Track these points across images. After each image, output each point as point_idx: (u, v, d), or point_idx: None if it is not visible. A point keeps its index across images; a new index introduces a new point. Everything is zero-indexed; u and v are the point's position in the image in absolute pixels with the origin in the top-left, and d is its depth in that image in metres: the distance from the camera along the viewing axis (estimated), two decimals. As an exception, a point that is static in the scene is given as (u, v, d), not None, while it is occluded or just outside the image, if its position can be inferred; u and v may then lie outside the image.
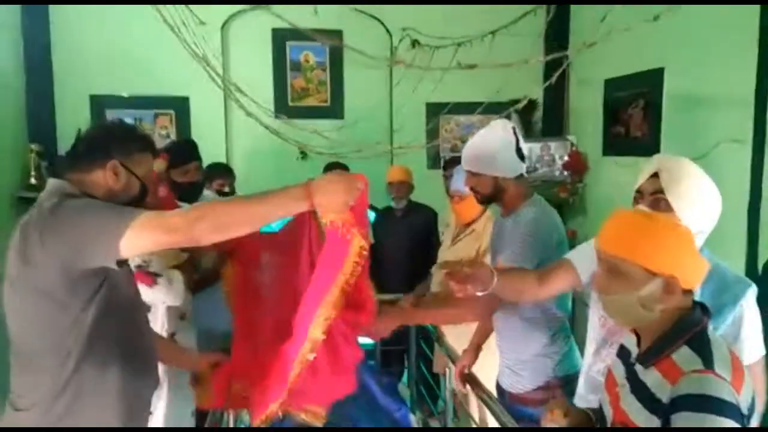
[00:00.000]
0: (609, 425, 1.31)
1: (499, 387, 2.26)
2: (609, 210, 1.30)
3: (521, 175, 2.07)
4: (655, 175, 1.50)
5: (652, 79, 3.43)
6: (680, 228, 1.21)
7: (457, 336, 2.70)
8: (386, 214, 3.89)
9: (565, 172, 4.42)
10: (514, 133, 2.05)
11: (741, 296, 1.50)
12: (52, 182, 1.51)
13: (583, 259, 1.68)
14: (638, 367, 1.27)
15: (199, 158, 2.83)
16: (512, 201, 2.07)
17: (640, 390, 1.22)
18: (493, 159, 2.00)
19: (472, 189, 2.12)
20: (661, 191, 1.49)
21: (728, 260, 2.99)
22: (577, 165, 4.36)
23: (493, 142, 2.01)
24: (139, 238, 1.32)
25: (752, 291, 1.51)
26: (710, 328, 1.22)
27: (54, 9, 4.06)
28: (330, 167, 3.56)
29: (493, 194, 2.07)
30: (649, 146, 3.46)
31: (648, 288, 1.18)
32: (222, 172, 3.62)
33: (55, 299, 1.40)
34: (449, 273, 1.61)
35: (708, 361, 1.13)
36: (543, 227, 1.98)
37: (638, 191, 1.57)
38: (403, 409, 2.91)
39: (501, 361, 2.24)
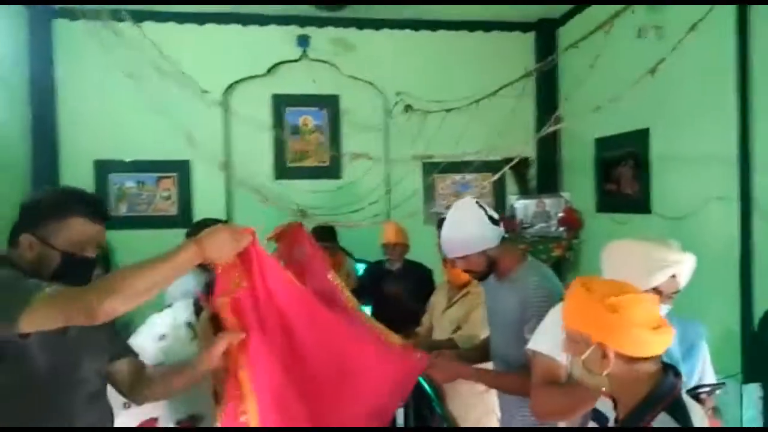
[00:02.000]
0: None
1: None
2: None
3: (504, 238, 2.08)
4: (673, 276, 1.62)
5: (639, 139, 3.54)
6: (618, 302, 1.24)
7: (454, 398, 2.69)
8: (380, 270, 3.89)
9: (561, 228, 4.48)
10: (480, 206, 2.06)
11: (701, 335, 1.73)
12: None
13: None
14: None
15: None
16: (506, 266, 2.07)
17: None
18: (473, 237, 2.00)
19: (466, 271, 2.13)
20: (678, 291, 1.65)
21: (723, 315, 3.02)
22: (572, 221, 4.42)
23: (466, 222, 2.02)
24: (41, 316, 1.25)
25: (704, 329, 1.78)
26: (683, 392, 1.26)
27: (60, 79, 4.23)
28: (316, 230, 3.59)
29: (488, 268, 2.06)
30: (640, 203, 3.53)
31: (587, 353, 1.26)
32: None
33: None
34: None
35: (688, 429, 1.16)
36: (551, 289, 1.98)
37: (655, 289, 1.60)
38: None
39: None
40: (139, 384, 1.65)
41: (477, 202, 2.05)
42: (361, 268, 4.12)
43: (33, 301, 1.25)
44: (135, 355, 1.71)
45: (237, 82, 4.45)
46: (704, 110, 3.09)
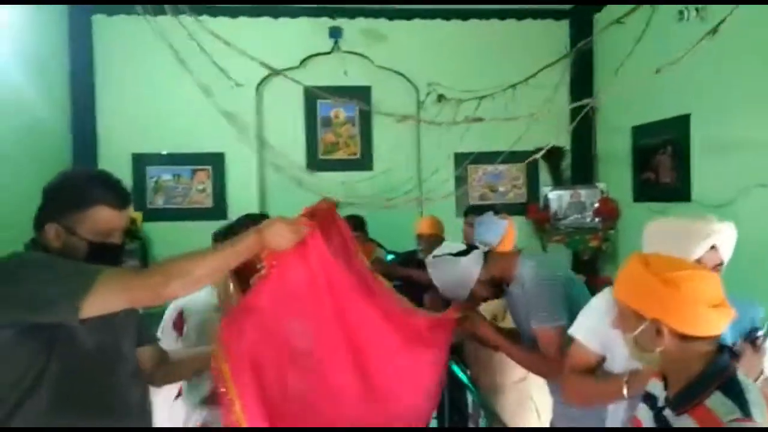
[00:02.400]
0: None
1: None
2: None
3: (484, 254, 2.12)
4: (713, 247, 1.56)
5: (679, 126, 3.45)
6: (677, 276, 1.20)
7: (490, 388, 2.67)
8: (412, 260, 3.87)
9: (596, 219, 4.40)
10: (442, 254, 2.10)
11: (756, 319, 1.60)
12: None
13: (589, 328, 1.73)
14: (668, 413, 1.24)
15: None
16: (506, 273, 2.11)
17: None
18: (459, 278, 2.07)
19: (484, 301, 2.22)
20: (721, 263, 1.59)
21: (761, 302, 2.93)
22: (608, 212, 4.34)
23: (445, 277, 2.09)
24: (104, 300, 1.28)
25: (762, 311, 1.64)
26: (739, 372, 1.21)
27: (100, 72, 4.34)
28: (348, 219, 3.61)
29: (493, 288, 2.13)
30: (680, 191, 3.44)
31: (639, 329, 1.23)
32: None
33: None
34: None
35: (745, 408, 1.12)
36: (547, 276, 2.02)
37: (698, 262, 1.57)
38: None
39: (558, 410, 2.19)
40: (159, 369, 1.67)
41: (437, 260, 2.11)
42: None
43: (96, 285, 1.26)
44: (157, 340, 1.74)
45: (270, 75, 4.49)
46: (747, 95, 2.99)
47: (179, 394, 2.02)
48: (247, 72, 4.18)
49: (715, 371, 1.19)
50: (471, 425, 3.28)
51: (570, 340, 1.80)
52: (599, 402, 1.73)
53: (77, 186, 1.44)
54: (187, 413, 2.04)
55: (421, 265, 3.69)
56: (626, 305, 1.26)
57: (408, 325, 1.84)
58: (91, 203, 1.42)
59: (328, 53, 4.49)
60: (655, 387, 1.35)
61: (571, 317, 1.93)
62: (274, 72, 3.58)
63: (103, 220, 1.43)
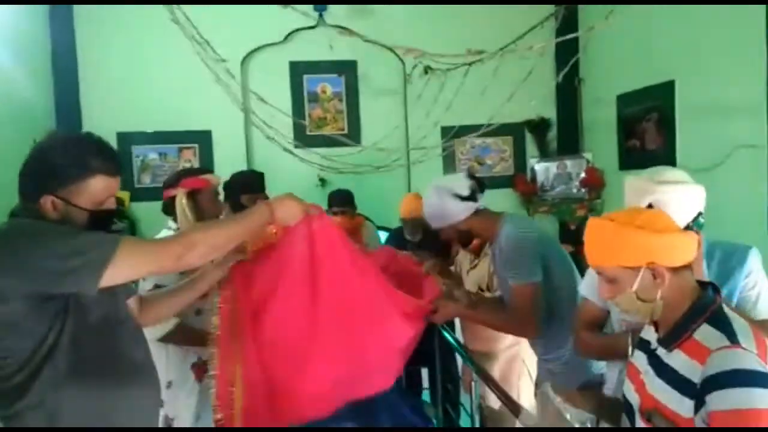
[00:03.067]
0: (637, 412, 1.34)
1: None
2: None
3: (477, 210, 2.21)
4: (650, 206, 1.60)
5: (664, 92, 3.48)
6: (642, 216, 1.27)
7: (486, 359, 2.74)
8: (402, 240, 3.89)
9: (583, 189, 4.45)
10: (447, 185, 2.22)
11: (745, 258, 1.61)
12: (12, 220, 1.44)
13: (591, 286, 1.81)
14: (661, 352, 1.30)
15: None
16: (487, 233, 2.25)
17: (666, 373, 1.25)
18: (440, 214, 2.22)
19: (445, 240, 2.45)
20: None
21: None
22: (594, 181, 4.39)
23: (432, 203, 2.23)
24: (125, 269, 1.33)
25: (754, 252, 1.62)
26: (724, 305, 1.26)
27: (82, 50, 4.26)
28: (333, 195, 3.66)
29: (460, 238, 2.34)
30: (665, 157, 3.48)
31: (637, 282, 1.25)
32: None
33: (18, 329, 1.31)
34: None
35: (732, 336, 1.16)
36: (521, 235, 2.13)
37: None
38: (430, 427, 2.90)
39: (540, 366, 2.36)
40: (143, 313, 1.72)
41: (445, 184, 2.24)
42: (383, 235, 4.14)
43: (116, 255, 1.30)
44: (135, 291, 1.80)
45: (255, 50, 4.45)
46: (732, 58, 3.02)
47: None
48: (230, 47, 4.15)
49: (702, 306, 1.24)
50: (463, 390, 3.33)
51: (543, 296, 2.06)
52: (609, 358, 1.84)
53: (72, 157, 1.42)
54: (183, 354, 2.27)
55: (411, 244, 3.72)
56: (614, 267, 1.27)
57: (391, 298, 2.04)
58: (88, 173, 1.42)
59: (313, 27, 4.45)
60: (648, 333, 1.40)
61: (547, 276, 2.10)
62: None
63: (102, 189, 1.44)
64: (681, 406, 1.18)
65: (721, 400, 1.10)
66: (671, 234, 1.25)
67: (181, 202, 2.32)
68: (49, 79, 4.16)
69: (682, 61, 3.38)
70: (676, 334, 1.26)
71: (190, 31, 3.24)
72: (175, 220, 2.38)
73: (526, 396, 2.71)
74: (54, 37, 4.18)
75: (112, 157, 1.48)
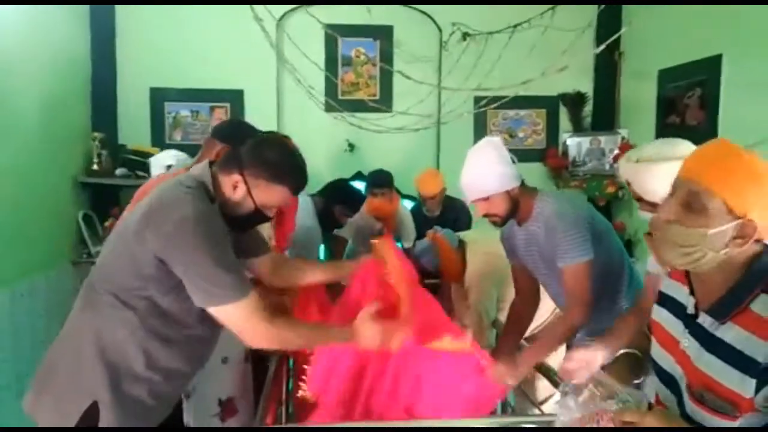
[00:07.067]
0: (684, 388, 1.22)
1: None
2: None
3: (522, 181, 2.08)
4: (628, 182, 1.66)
5: (710, 66, 3.38)
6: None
7: None
8: (421, 216, 3.86)
9: (615, 165, 4.37)
10: (499, 147, 2.05)
11: None
12: (202, 167, 1.60)
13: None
14: (706, 322, 1.18)
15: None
16: (526, 208, 2.08)
17: (720, 348, 1.12)
18: (496, 176, 1.99)
19: (487, 215, 2.07)
20: (639, 198, 1.74)
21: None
22: (627, 158, 4.30)
23: (489, 162, 2.00)
24: (224, 316, 1.48)
25: None
26: None
27: (120, 6, 4.26)
28: (374, 175, 3.77)
29: (510, 210, 2.05)
30: (706, 134, 3.40)
31: (722, 227, 1.08)
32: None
33: (140, 275, 1.48)
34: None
35: None
36: (571, 210, 2.01)
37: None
38: None
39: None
40: (275, 274, 1.92)
41: (495, 142, 2.05)
42: (408, 205, 4.13)
43: (232, 304, 1.46)
44: (269, 251, 1.99)
45: (291, 10, 4.41)
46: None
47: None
48: (269, 6, 4.11)
49: (759, 273, 1.10)
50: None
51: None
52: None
53: (280, 161, 1.60)
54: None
55: (430, 220, 3.67)
56: (714, 195, 1.08)
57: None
58: (282, 182, 1.59)
59: (352, -10, 4.39)
60: (679, 292, 1.28)
61: (598, 251, 1.99)
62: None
63: (280, 199, 1.62)
64: (742, 385, 1.07)
65: None
66: None
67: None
68: (87, 30, 4.17)
69: (729, 36, 3.28)
70: (729, 305, 1.12)
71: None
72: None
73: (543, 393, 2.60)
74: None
75: (304, 182, 1.67)
